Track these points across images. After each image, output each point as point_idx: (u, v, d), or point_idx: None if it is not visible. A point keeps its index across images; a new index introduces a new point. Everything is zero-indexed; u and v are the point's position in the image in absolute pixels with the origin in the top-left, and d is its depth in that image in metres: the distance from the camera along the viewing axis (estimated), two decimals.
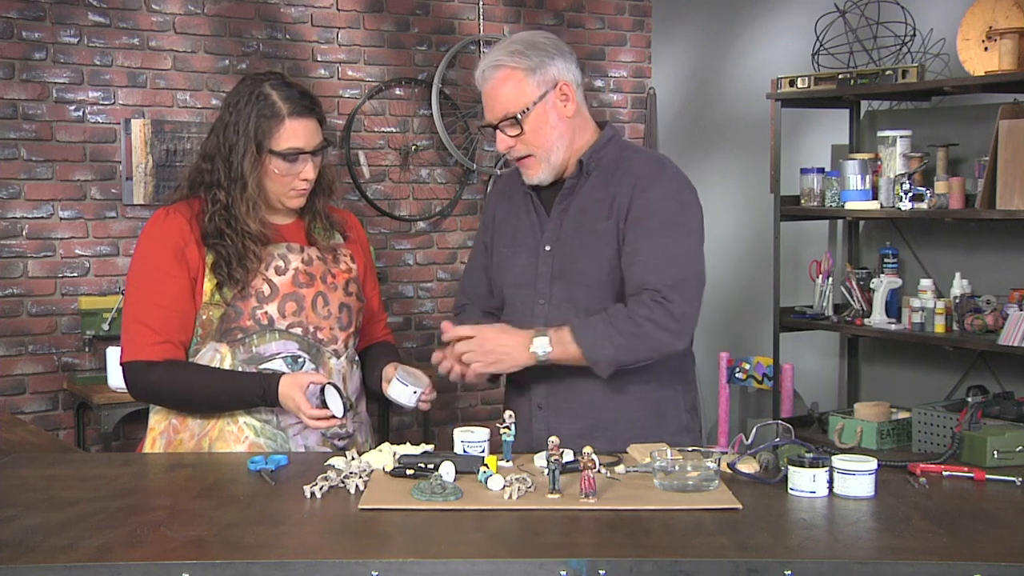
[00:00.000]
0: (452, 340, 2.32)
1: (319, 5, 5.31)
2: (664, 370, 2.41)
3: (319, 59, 5.32)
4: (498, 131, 2.37)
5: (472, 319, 2.50)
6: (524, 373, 2.38)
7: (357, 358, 2.52)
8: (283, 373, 2.33)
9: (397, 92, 5.53)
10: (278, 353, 2.36)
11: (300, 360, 2.37)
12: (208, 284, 2.34)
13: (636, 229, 2.33)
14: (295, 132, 2.34)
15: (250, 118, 2.33)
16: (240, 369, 2.35)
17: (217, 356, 2.36)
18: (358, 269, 2.53)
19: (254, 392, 2.31)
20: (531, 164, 2.38)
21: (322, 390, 2.27)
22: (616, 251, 2.35)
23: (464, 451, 2.17)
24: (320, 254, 2.45)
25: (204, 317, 2.36)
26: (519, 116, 2.33)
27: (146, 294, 2.35)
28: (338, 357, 2.43)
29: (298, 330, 2.37)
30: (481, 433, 2.20)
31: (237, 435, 2.35)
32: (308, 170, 2.37)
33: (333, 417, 2.28)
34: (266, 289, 2.36)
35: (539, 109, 2.34)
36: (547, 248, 2.41)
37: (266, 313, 2.35)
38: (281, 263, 2.39)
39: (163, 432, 2.40)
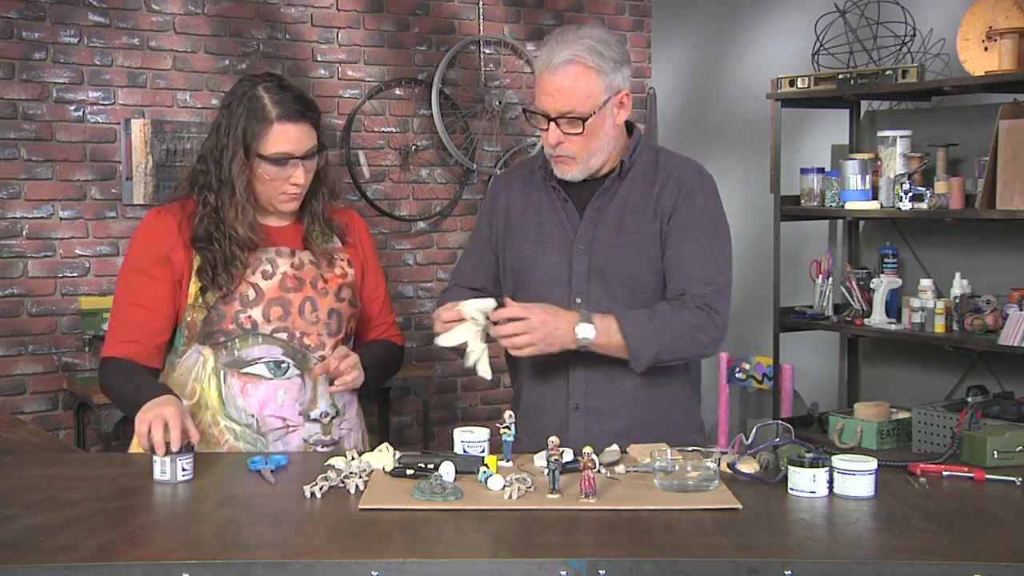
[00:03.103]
0: (501, 319, 2.25)
1: (319, 5, 5.31)
2: (693, 371, 2.50)
3: (319, 59, 5.32)
4: (552, 123, 2.30)
5: (460, 297, 2.43)
6: (560, 374, 2.38)
7: None
8: (159, 396, 2.23)
9: (397, 92, 5.53)
10: (260, 358, 2.35)
11: (284, 365, 2.36)
12: (193, 287, 2.34)
13: (681, 233, 2.36)
14: (283, 136, 2.31)
15: (240, 121, 2.31)
16: (222, 372, 2.35)
17: (201, 358, 2.36)
18: (356, 273, 2.50)
19: (138, 402, 2.22)
20: (568, 163, 2.35)
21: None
22: (658, 252, 2.37)
23: (464, 451, 2.17)
24: (313, 258, 2.42)
25: (189, 319, 2.35)
26: (586, 118, 2.28)
27: (126, 293, 2.38)
28: None
29: (283, 335, 2.35)
30: (481, 433, 2.20)
31: (218, 438, 2.35)
32: (298, 175, 2.34)
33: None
34: (251, 293, 2.34)
35: (600, 114, 2.30)
36: (581, 247, 2.38)
37: (250, 317, 2.34)
38: (269, 267, 2.37)
39: None
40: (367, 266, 2.56)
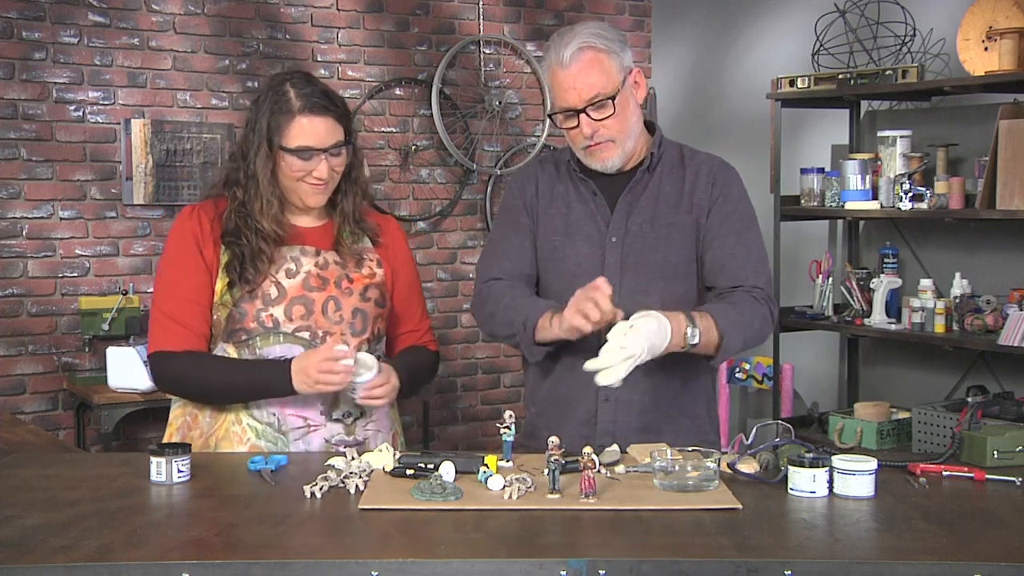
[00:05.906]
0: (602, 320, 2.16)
1: (319, 5, 5.31)
2: (712, 371, 2.50)
3: (319, 59, 5.32)
4: (583, 116, 2.32)
5: (526, 294, 2.39)
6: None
7: None
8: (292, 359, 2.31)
9: (397, 92, 5.53)
10: (282, 356, 2.34)
11: None
12: (220, 283, 2.35)
13: (724, 226, 2.38)
14: (306, 129, 2.32)
15: (265, 114, 2.33)
16: None
17: (225, 356, 2.37)
18: (386, 274, 2.49)
19: (269, 381, 2.30)
20: (609, 148, 2.36)
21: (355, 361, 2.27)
22: (694, 244, 2.39)
23: (355, 388, 2.20)
24: (339, 258, 2.43)
25: (215, 317, 2.36)
26: (613, 96, 2.31)
27: (171, 288, 2.38)
28: None
29: (305, 334, 2.36)
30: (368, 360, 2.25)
31: (240, 436, 2.35)
32: (322, 169, 2.34)
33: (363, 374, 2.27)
34: (273, 292, 2.35)
35: (624, 92, 2.34)
36: (614, 239, 2.39)
37: (271, 315, 2.34)
38: (292, 266, 2.38)
39: (180, 428, 2.42)
40: (399, 268, 2.54)
